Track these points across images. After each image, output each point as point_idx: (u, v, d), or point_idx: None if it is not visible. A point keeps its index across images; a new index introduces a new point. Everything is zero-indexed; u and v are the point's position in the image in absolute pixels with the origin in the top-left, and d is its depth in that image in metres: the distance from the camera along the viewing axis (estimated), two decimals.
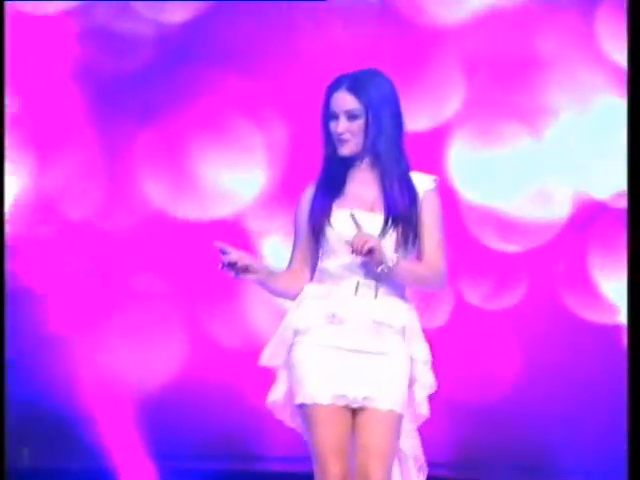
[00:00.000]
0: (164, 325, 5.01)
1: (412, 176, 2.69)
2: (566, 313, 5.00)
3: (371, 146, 2.64)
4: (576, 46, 4.85)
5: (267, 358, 2.68)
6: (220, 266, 2.56)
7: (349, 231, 2.57)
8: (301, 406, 2.58)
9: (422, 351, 2.66)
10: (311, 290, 2.67)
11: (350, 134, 2.63)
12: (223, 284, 4.80)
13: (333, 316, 2.61)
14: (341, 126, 2.63)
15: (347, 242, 2.51)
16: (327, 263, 2.66)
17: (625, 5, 4.08)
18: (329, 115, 2.66)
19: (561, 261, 4.99)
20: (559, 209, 4.99)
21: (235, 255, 2.56)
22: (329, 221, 2.65)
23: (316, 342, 2.61)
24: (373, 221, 2.63)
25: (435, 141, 4.98)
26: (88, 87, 4.88)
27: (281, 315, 2.63)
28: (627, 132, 3.57)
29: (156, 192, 5.11)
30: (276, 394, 2.66)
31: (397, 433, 2.59)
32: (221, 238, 4.50)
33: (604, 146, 4.90)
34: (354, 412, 2.58)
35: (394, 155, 2.65)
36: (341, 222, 2.63)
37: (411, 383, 2.64)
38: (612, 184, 4.89)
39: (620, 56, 4.70)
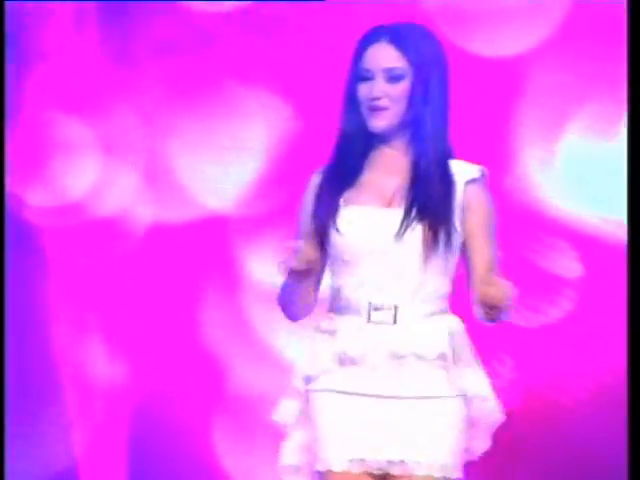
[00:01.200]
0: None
1: (452, 164, 2.22)
2: None
3: (413, 119, 2.18)
4: None
5: (279, 412, 2.25)
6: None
7: (359, 236, 2.16)
8: (318, 474, 2.17)
9: (476, 383, 2.18)
10: (321, 324, 2.23)
11: (389, 100, 2.16)
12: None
13: (343, 355, 2.15)
14: (377, 88, 2.16)
15: (481, 296, 2.05)
16: (336, 279, 2.21)
17: None
18: (359, 75, 2.18)
19: None
20: None
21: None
22: (334, 223, 2.17)
23: (329, 390, 2.16)
24: (388, 219, 2.16)
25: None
26: None
27: None
28: None
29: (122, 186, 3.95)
30: (287, 457, 2.22)
31: None
32: (191, 247, 3.74)
33: None
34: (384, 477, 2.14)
35: (438, 134, 2.19)
36: (349, 224, 2.16)
37: (474, 424, 2.18)
38: None
39: None
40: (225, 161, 3.89)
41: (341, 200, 2.19)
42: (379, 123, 2.17)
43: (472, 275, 2.18)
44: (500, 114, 3.79)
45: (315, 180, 2.26)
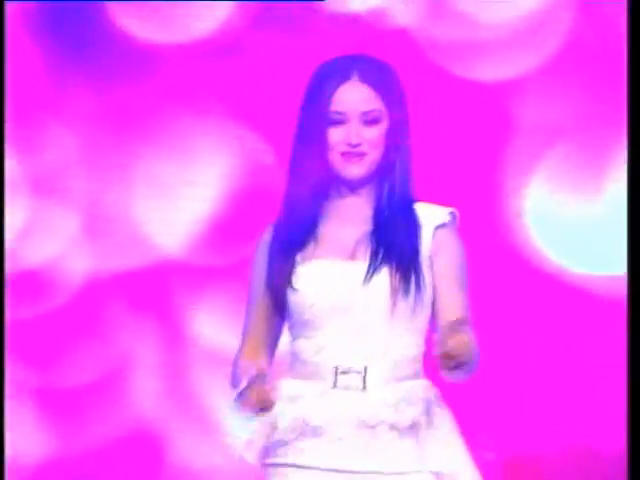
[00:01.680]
0: None
1: (418, 207, 2.11)
2: None
3: (385, 164, 2.07)
4: None
5: None
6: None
7: (320, 293, 2.01)
8: None
9: (446, 458, 2.00)
10: (282, 389, 2.02)
11: (368, 146, 2.05)
12: None
13: (304, 424, 1.99)
14: (356, 134, 2.03)
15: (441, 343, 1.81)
16: (296, 343, 2.06)
17: None
18: (329, 118, 2.04)
19: None
20: None
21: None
22: (290, 281, 2.04)
23: (288, 464, 2.01)
24: (351, 272, 2.02)
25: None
26: None
27: None
28: None
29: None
30: None
31: None
32: (130, 302, 3.53)
33: None
34: None
35: (404, 179, 2.09)
36: (308, 281, 2.03)
37: None
38: None
39: None
40: (175, 204, 3.57)
41: (297, 256, 2.06)
42: (356, 171, 2.04)
43: (438, 321, 2.05)
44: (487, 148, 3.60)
45: (267, 236, 2.13)
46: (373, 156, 2.05)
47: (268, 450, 2.05)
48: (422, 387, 2.05)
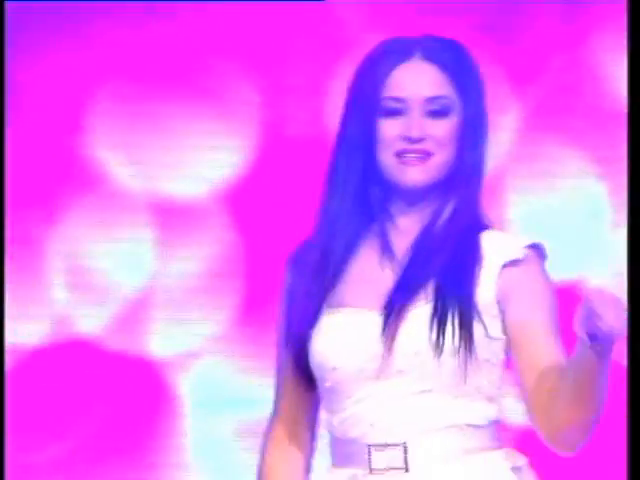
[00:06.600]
0: None
1: (485, 237, 1.54)
2: None
3: (454, 173, 1.54)
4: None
5: None
6: None
7: (344, 353, 1.49)
8: None
9: None
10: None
11: (434, 143, 1.52)
12: None
13: None
14: (418, 126, 1.51)
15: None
16: (327, 416, 1.56)
17: None
18: (383, 107, 1.53)
19: None
20: None
21: None
22: (311, 336, 1.52)
23: None
24: (374, 324, 1.49)
25: None
26: None
27: None
28: None
29: None
30: None
31: None
32: None
33: None
34: None
35: (474, 194, 1.56)
36: (332, 337, 1.50)
37: None
38: None
39: None
40: None
41: (325, 304, 1.54)
42: (417, 177, 1.52)
43: (525, 383, 1.51)
44: None
45: (291, 268, 1.62)
46: (440, 158, 1.54)
47: None
48: (494, 464, 1.52)
